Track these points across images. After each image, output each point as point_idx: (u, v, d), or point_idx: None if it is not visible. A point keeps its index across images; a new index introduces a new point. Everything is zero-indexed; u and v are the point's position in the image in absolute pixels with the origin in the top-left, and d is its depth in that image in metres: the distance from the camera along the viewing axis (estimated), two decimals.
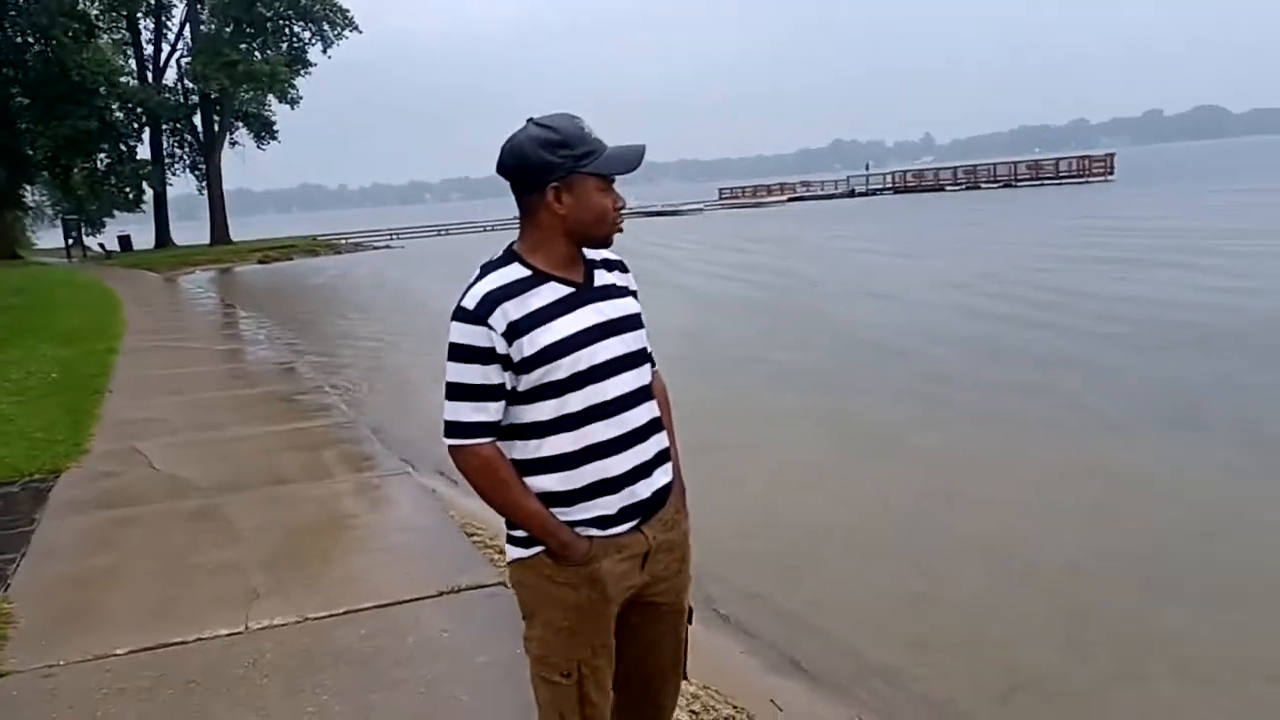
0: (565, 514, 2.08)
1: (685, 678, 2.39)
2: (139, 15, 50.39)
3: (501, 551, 5.34)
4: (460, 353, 2.01)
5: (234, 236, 54.34)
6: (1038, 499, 6.36)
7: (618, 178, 2.07)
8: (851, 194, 67.98)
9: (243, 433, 7.90)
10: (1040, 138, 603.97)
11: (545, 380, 2.01)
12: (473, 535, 5.41)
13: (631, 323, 2.15)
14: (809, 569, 5.48)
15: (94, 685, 3.62)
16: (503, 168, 2.05)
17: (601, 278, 2.14)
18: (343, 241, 53.19)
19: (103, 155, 48.92)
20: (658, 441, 2.18)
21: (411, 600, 4.25)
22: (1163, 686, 4.01)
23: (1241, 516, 5.87)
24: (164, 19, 52.09)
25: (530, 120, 2.05)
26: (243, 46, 48.77)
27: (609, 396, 2.06)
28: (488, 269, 2.06)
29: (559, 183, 2.01)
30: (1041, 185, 57.58)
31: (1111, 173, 57.35)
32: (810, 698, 3.98)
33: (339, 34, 51.53)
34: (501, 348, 1.99)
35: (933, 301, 15.54)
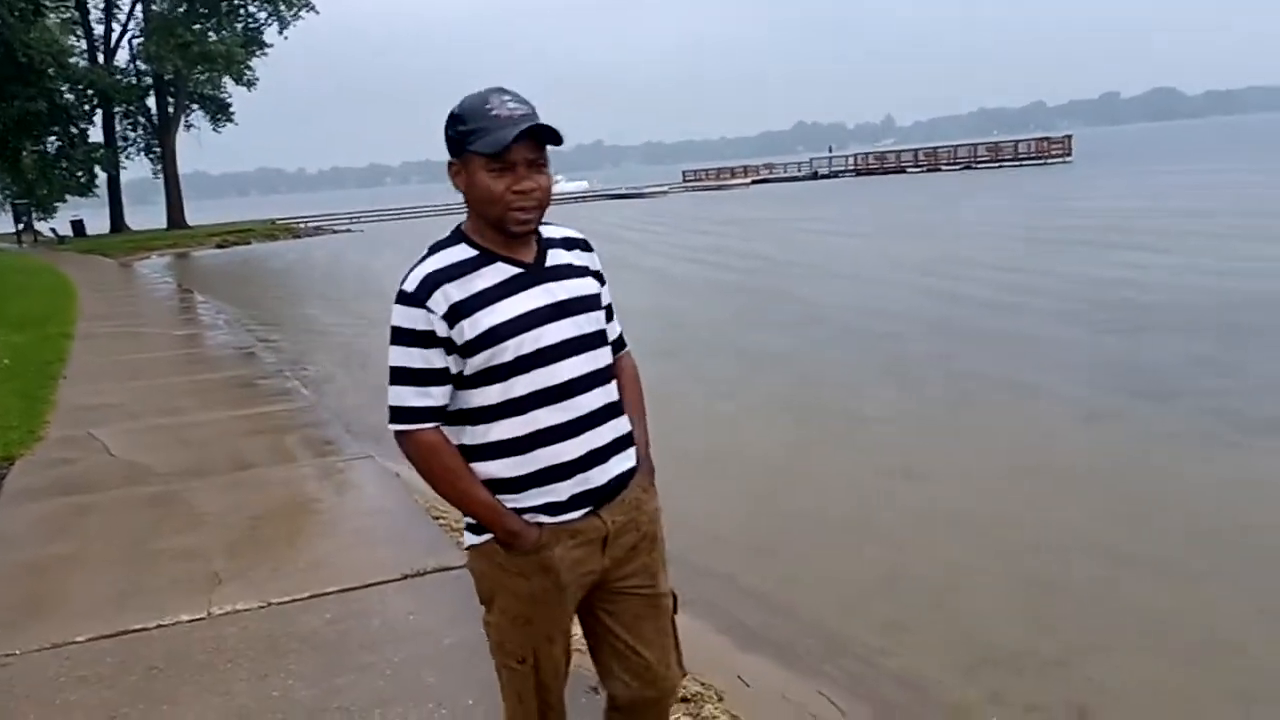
0: (514, 500, 2.02)
1: (683, 670, 2.29)
2: None
3: None
4: (401, 336, 1.96)
5: (191, 220, 53.48)
6: (1003, 475, 6.44)
7: (550, 158, 1.97)
8: (815, 176, 68.22)
9: (202, 418, 7.79)
10: (999, 120, 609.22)
11: (490, 364, 1.95)
12: (438, 518, 5.38)
13: (586, 304, 2.06)
14: (779, 548, 5.51)
15: (53, 674, 3.56)
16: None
17: (556, 257, 2.06)
18: (302, 225, 52.50)
19: (53, 138, 47.97)
20: (615, 427, 2.10)
21: (377, 584, 4.22)
22: (1130, 659, 4.07)
23: (1202, 489, 5.97)
24: None
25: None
26: (197, 27, 47.79)
27: (558, 380, 1.99)
28: (435, 249, 2.00)
29: (456, 161, 1.96)
30: (1001, 167, 58.06)
31: (1070, 154, 57.97)
32: (778, 674, 3.99)
33: (295, 14, 50.73)
34: (442, 330, 1.93)
35: (895, 281, 15.64)
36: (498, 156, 1.90)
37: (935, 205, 33.61)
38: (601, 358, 2.09)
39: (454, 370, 1.97)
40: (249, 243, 43.37)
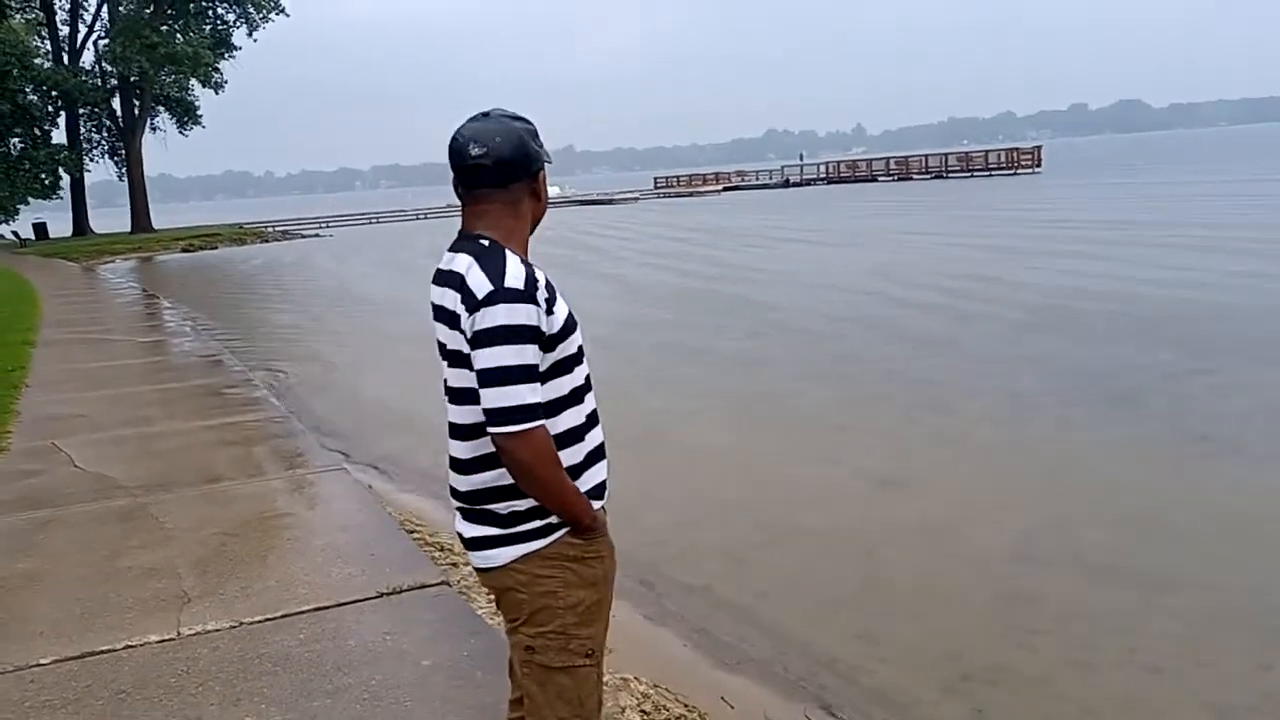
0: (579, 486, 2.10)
1: None
2: None
3: (443, 549, 5.27)
4: (518, 333, 1.94)
5: (156, 224, 52.85)
6: (974, 483, 6.45)
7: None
8: (786, 184, 68.53)
9: (170, 428, 7.64)
10: (968, 129, 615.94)
11: (563, 355, 2.03)
12: (413, 532, 5.31)
13: None
14: (753, 560, 5.47)
15: (16, 698, 3.45)
16: (501, 160, 2.02)
17: None
18: (270, 230, 52.04)
19: (15, 139, 47.22)
20: None
21: (352, 602, 4.12)
22: (1110, 676, 4.07)
23: (1179, 499, 6.00)
24: None
25: (502, 113, 2.07)
26: (164, 28, 47.31)
27: (589, 371, 2.14)
28: (501, 252, 2.01)
29: (540, 172, 2.09)
30: (972, 176, 58.60)
31: (1039, 165, 58.61)
32: (761, 694, 3.96)
33: (264, 17, 50.31)
34: (544, 324, 1.98)
35: (865, 289, 15.69)
36: None
37: (906, 212, 33.84)
38: None
39: (543, 366, 2.02)
40: (216, 247, 42.91)
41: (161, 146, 58.48)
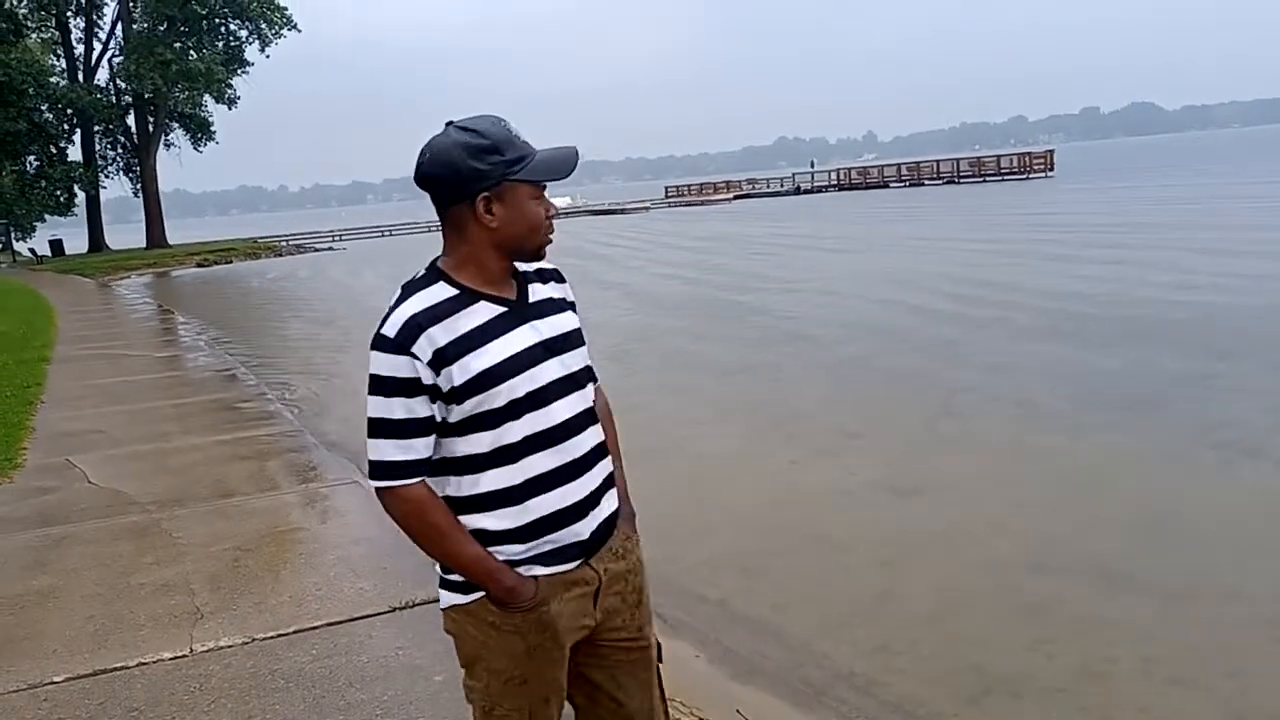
0: (506, 553, 1.90)
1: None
2: (69, 14, 49.18)
3: None
4: (382, 385, 1.83)
5: (171, 239, 53.22)
6: (990, 490, 6.39)
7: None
8: (798, 191, 68.49)
9: (184, 443, 7.66)
10: (980, 134, 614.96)
11: (481, 409, 1.84)
12: None
13: (572, 340, 1.98)
14: (768, 570, 5.43)
15: (30, 717, 3.45)
16: (425, 177, 1.86)
17: (536, 292, 1.97)
18: (284, 244, 52.30)
19: (31, 157, 47.67)
20: (604, 468, 2.02)
21: (364, 617, 4.12)
22: (1130, 687, 4.01)
23: (1198, 506, 5.93)
24: (95, 17, 50.92)
25: (450, 124, 1.86)
26: (177, 45, 47.77)
27: (553, 423, 1.89)
28: (410, 289, 1.87)
29: (489, 192, 1.83)
30: (984, 182, 58.40)
31: (1052, 169, 58.41)
32: (777, 707, 3.91)
33: (277, 33, 50.67)
34: (428, 378, 1.80)
35: (877, 296, 15.62)
36: (539, 184, 1.88)
37: (919, 218, 33.74)
38: (589, 396, 2.01)
39: (439, 418, 1.86)
40: (230, 261, 43.14)
41: (176, 162, 58.90)
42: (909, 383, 9.73)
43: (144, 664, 3.80)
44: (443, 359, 1.81)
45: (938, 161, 66.87)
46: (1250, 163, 57.57)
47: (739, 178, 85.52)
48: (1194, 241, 19.39)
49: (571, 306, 2.04)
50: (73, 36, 50.75)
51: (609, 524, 2.02)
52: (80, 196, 50.49)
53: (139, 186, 52.44)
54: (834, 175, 72.61)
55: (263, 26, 50.39)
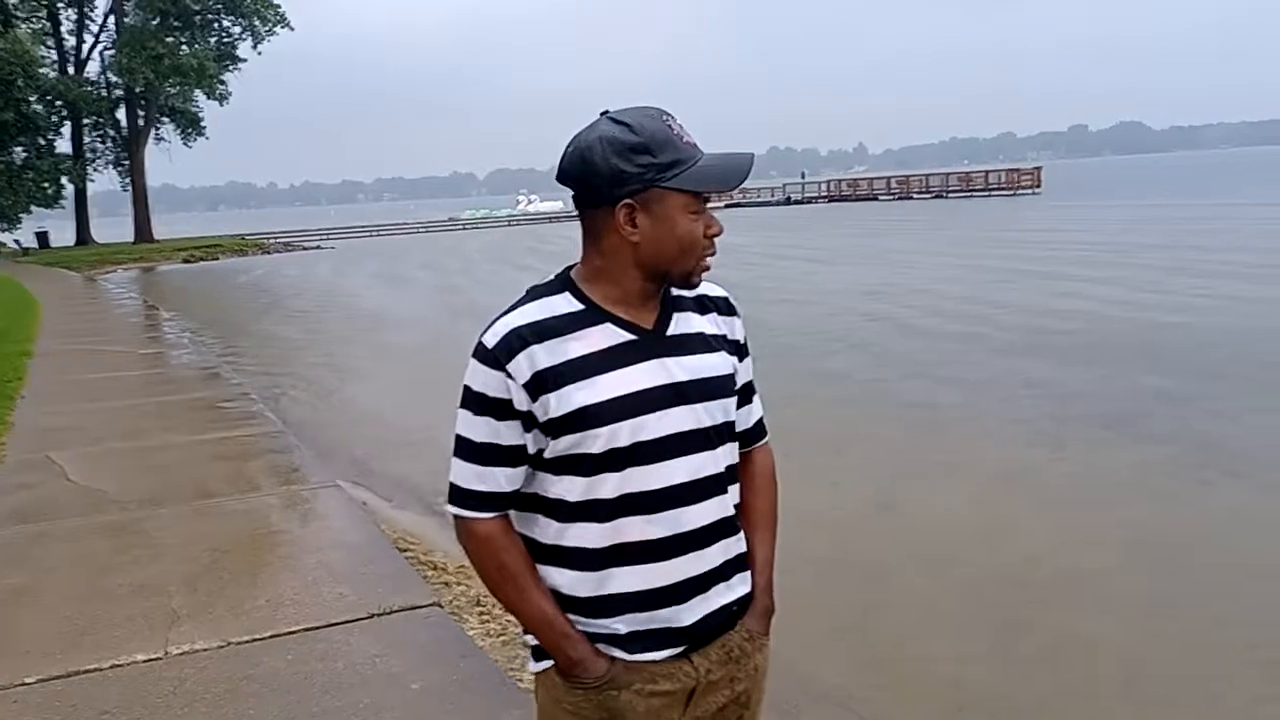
0: (585, 624, 1.61)
1: None
2: (60, 5, 48.96)
3: (435, 568, 5.22)
4: (472, 400, 1.57)
5: (159, 234, 52.97)
6: (973, 508, 6.41)
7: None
8: (788, 201, 68.69)
9: (165, 442, 7.60)
10: (969, 149, 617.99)
11: (575, 451, 1.55)
12: (405, 551, 5.27)
13: (714, 387, 1.63)
14: None
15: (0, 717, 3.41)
16: (564, 175, 1.59)
17: (683, 322, 1.65)
18: (272, 241, 52.14)
19: (19, 149, 47.38)
20: (727, 547, 1.67)
21: (342, 623, 4.08)
22: (1109, 706, 4.02)
23: (1184, 524, 5.96)
24: (86, 9, 50.74)
25: (604, 114, 1.58)
26: (169, 40, 47.59)
27: (658, 485, 1.57)
28: (532, 295, 1.61)
29: (634, 199, 1.53)
30: (971, 197, 58.71)
31: (1039, 186, 58.75)
32: None
33: (270, 30, 50.54)
34: (522, 402, 1.54)
35: (862, 310, 15.66)
36: (700, 196, 1.57)
37: (907, 232, 33.87)
38: (723, 458, 1.66)
39: (533, 449, 1.58)
40: (217, 258, 43.00)
41: (165, 157, 58.77)
42: (894, 397, 9.75)
43: (118, 666, 3.76)
44: (541, 384, 1.54)
45: (927, 176, 67.25)
46: (1242, 186, 58.01)
47: None
48: (1181, 261, 19.52)
49: (733, 346, 1.73)
50: (64, 28, 50.56)
51: (724, 615, 1.68)
52: (68, 189, 50.21)
53: (127, 180, 52.22)
54: (825, 186, 72.94)
55: (256, 23, 50.30)
